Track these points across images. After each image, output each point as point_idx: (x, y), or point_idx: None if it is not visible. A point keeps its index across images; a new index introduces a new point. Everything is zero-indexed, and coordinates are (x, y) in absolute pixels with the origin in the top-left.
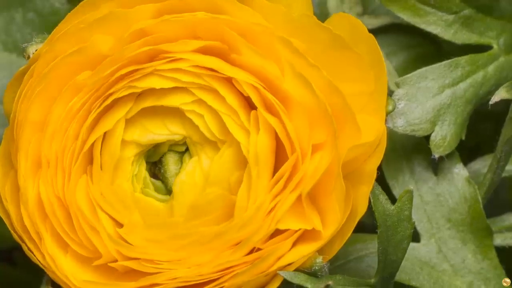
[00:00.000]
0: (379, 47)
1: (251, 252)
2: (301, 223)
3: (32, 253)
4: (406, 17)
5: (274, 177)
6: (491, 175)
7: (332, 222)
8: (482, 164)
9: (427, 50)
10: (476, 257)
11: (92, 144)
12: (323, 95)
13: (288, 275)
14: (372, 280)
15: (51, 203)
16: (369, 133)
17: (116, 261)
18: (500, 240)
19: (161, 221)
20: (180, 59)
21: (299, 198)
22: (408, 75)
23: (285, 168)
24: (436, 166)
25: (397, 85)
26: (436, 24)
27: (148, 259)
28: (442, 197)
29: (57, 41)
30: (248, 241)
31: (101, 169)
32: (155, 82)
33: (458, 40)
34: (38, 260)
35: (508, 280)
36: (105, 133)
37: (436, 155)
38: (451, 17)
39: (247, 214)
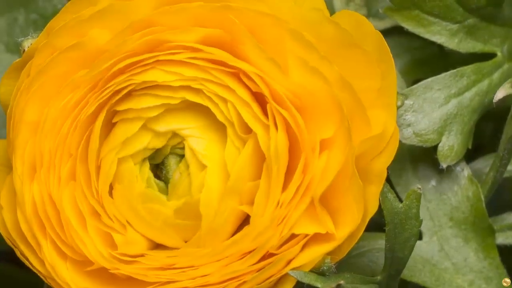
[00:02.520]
0: (386, 43)
1: (261, 257)
2: (316, 227)
3: (27, 259)
4: (410, 27)
5: (293, 179)
6: (493, 174)
7: (348, 222)
8: (484, 164)
9: (430, 51)
10: (478, 256)
11: (81, 144)
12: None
13: (298, 275)
14: (379, 277)
15: (44, 204)
16: (376, 126)
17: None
18: (502, 239)
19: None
20: (182, 51)
21: (312, 200)
22: (414, 86)
23: (299, 169)
24: (439, 164)
25: (404, 97)
26: (440, 33)
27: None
28: (444, 196)
29: (55, 35)
30: (261, 249)
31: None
32: (157, 76)
33: (462, 49)
34: (34, 266)
35: (508, 280)
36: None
37: (444, 165)
38: (455, 27)
39: (263, 222)
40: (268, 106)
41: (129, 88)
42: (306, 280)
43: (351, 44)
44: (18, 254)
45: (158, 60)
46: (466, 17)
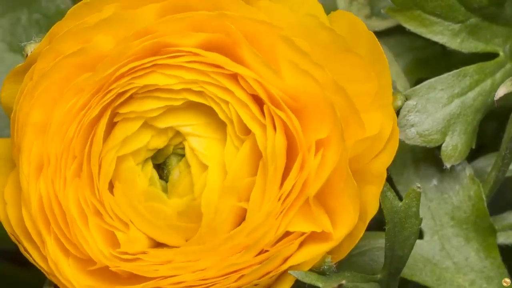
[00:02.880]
0: (379, 43)
1: (259, 254)
2: (311, 226)
3: (30, 255)
4: (412, 27)
5: (289, 177)
6: (495, 173)
7: (345, 223)
8: (485, 163)
9: (433, 51)
10: (479, 255)
11: (86, 147)
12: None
13: (299, 275)
14: (379, 276)
15: (50, 201)
16: (373, 128)
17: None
18: (503, 238)
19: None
20: (182, 55)
21: (307, 199)
22: (417, 86)
23: (296, 167)
24: (441, 164)
25: (407, 97)
26: (442, 33)
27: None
28: (446, 195)
29: (59, 40)
30: (256, 245)
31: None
32: (158, 79)
33: (465, 49)
34: (37, 263)
35: (508, 280)
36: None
37: (448, 165)
38: (457, 26)
39: (258, 218)
40: (265, 107)
41: (131, 92)
42: (307, 280)
43: (345, 49)
44: (21, 250)
45: (157, 64)
46: (468, 17)
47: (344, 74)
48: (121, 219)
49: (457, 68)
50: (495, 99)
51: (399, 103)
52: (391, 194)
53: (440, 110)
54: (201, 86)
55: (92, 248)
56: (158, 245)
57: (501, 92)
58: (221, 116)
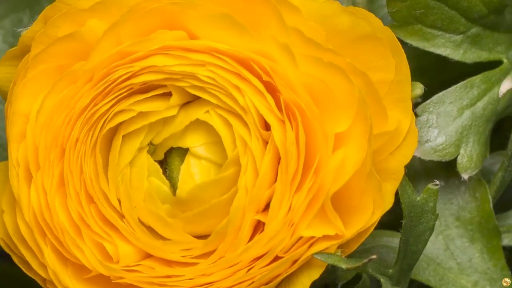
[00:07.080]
0: (396, 37)
1: (272, 261)
2: (325, 229)
3: (28, 264)
4: (414, 42)
5: (306, 182)
6: (502, 174)
7: (359, 222)
8: (489, 162)
9: (433, 59)
10: (483, 257)
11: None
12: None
13: (322, 257)
14: (391, 271)
15: (41, 209)
16: (390, 122)
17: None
18: (507, 240)
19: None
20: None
21: (323, 204)
22: (426, 102)
23: (312, 170)
24: (448, 163)
25: (417, 114)
26: (444, 46)
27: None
28: (451, 195)
29: (52, 24)
30: (271, 253)
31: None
32: (158, 60)
33: (468, 60)
34: (35, 271)
35: (508, 280)
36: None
37: (465, 176)
38: (459, 38)
39: (276, 227)
40: (281, 97)
41: (128, 75)
42: (329, 261)
43: (366, 34)
44: (15, 260)
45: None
46: (469, 27)
47: (361, 62)
48: (106, 230)
49: (460, 74)
50: (499, 96)
51: (418, 91)
52: (409, 189)
53: (452, 123)
54: (209, 70)
55: (88, 255)
56: (148, 257)
57: (503, 88)
58: (241, 102)
